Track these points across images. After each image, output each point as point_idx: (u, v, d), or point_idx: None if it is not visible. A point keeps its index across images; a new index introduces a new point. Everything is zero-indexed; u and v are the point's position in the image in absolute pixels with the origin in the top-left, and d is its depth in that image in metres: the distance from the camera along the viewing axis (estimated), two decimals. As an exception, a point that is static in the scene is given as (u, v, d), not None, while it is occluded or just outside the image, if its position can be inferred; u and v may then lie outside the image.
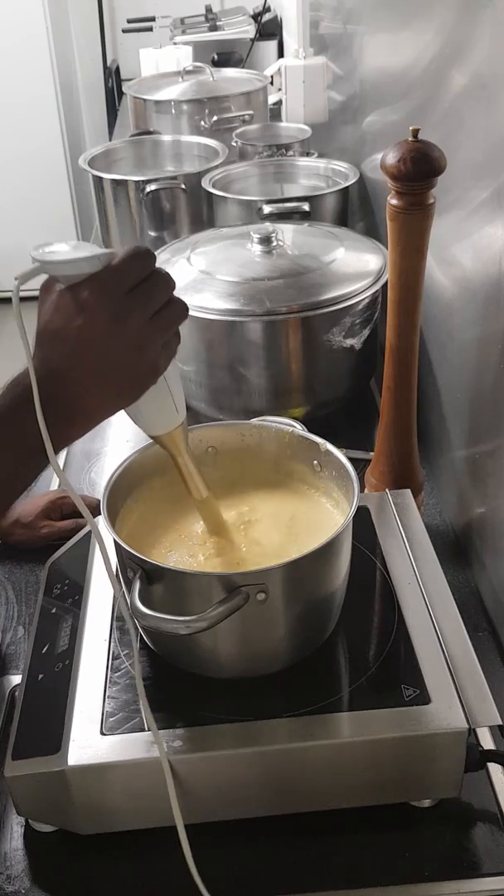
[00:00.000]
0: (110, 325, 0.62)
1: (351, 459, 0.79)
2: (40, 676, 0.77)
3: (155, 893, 0.67)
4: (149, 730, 0.70)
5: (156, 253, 1.29)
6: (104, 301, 0.62)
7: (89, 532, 0.91)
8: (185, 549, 0.80)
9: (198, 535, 0.81)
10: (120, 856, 0.72)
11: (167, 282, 0.65)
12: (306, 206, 1.42)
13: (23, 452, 0.64)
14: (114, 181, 1.63)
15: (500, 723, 0.70)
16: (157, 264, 0.66)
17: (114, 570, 0.68)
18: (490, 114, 0.85)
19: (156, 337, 0.64)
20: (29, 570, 1.03)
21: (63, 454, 1.24)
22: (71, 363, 0.63)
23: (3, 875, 0.71)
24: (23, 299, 0.62)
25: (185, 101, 2.04)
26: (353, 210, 1.57)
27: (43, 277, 0.65)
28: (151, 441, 0.83)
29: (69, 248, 0.63)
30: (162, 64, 2.57)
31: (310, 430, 0.85)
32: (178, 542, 0.81)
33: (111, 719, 0.71)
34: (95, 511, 1.04)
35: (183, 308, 0.67)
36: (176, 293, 0.66)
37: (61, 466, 1.21)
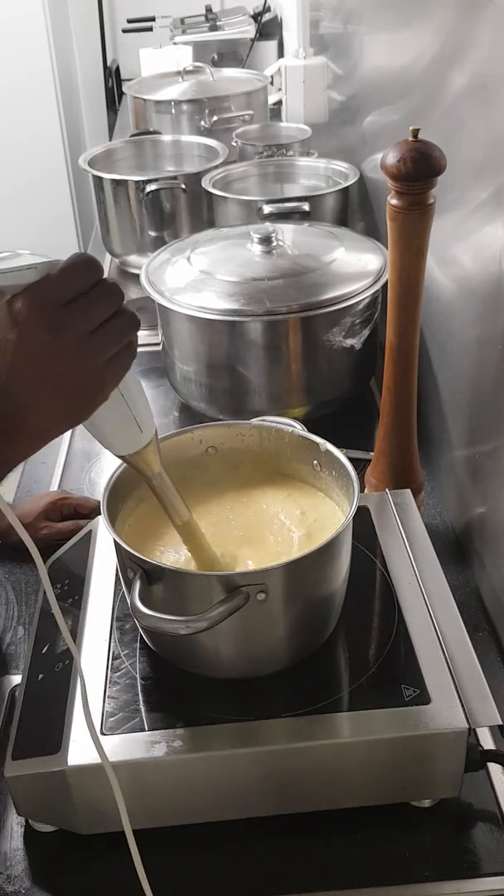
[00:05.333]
0: (45, 338, 0.59)
1: (351, 459, 0.79)
2: (40, 676, 0.77)
3: (155, 893, 0.66)
4: (149, 729, 0.70)
5: (156, 253, 1.30)
6: (38, 313, 0.59)
7: (89, 532, 0.91)
8: (186, 550, 0.80)
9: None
10: (120, 856, 0.72)
11: (113, 293, 0.62)
12: (306, 206, 1.42)
13: None
14: (114, 181, 1.63)
15: (500, 723, 0.70)
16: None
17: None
18: (490, 114, 0.85)
19: (98, 351, 0.61)
20: (29, 570, 1.03)
21: (63, 454, 1.24)
22: (9, 378, 0.59)
23: (3, 875, 0.71)
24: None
25: (185, 101, 2.04)
26: (353, 210, 1.57)
27: None
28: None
29: (22, 256, 0.61)
30: (162, 64, 2.57)
31: (310, 430, 0.85)
32: (179, 542, 0.80)
33: (111, 719, 0.71)
34: (95, 511, 1.05)
35: (131, 321, 0.63)
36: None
37: (61, 466, 1.22)
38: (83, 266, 0.60)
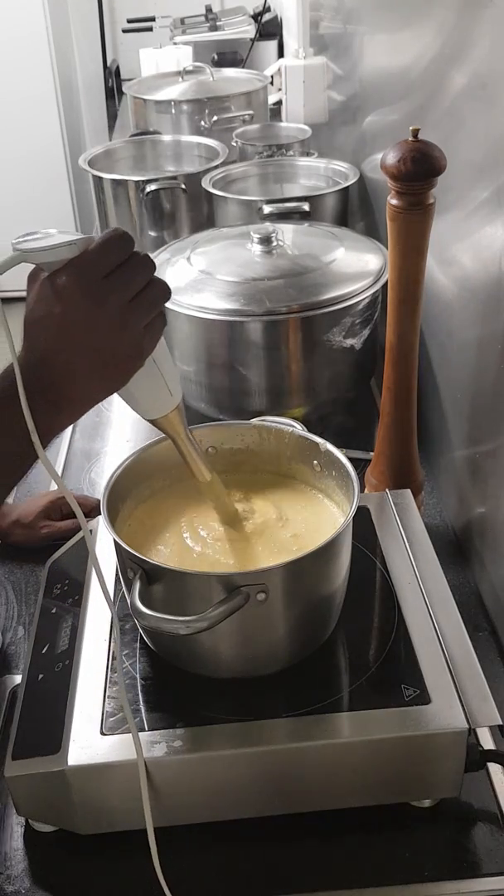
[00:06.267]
0: (89, 309, 0.63)
1: (351, 459, 0.79)
2: (40, 676, 0.77)
3: (155, 893, 0.67)
4: (149, 729, 0.70)
5: (156, 253, 1.30)
6: (82, 286, 0.63)
7: (89, 532, 0.91)
8: (186, 549, 0.80)
9: (198, 534, 0.81)
10: (120, 856, 0.72)
11: (146, 264, 0.66)
12: (306, 206, 1.42)
13: (14, 442, 0.64)
14: (114, 181, 1.63)
15: (500, 723, 0.70)
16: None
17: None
18: (490, 114, 0.85)
19: (137, 319, 0.65)
20: (29, 570, 1.03)
21: (63, 454, 1.24)
22: (55, 349, 0.64)
23: (3, 875, 0.71)
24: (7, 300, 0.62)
25: (185, 101, 2.04)
26: (353, 210, 1.57)
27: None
28: (151, 441, 0.84)
29: (54, 235, 0.64)
30: (162, 64, 2.57)
31: (310, 430, 0.85)
32: (179, 541, 0.81)
33: (111, 719, 0.71)
34: (95, 511, 1.05)
35: (164, 289, 0.67)
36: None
37: (61, 466, 1.22)
38: (118, 239, 0.64)
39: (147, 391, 0.72)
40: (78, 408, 0.68)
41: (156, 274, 0.66)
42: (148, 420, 0.75)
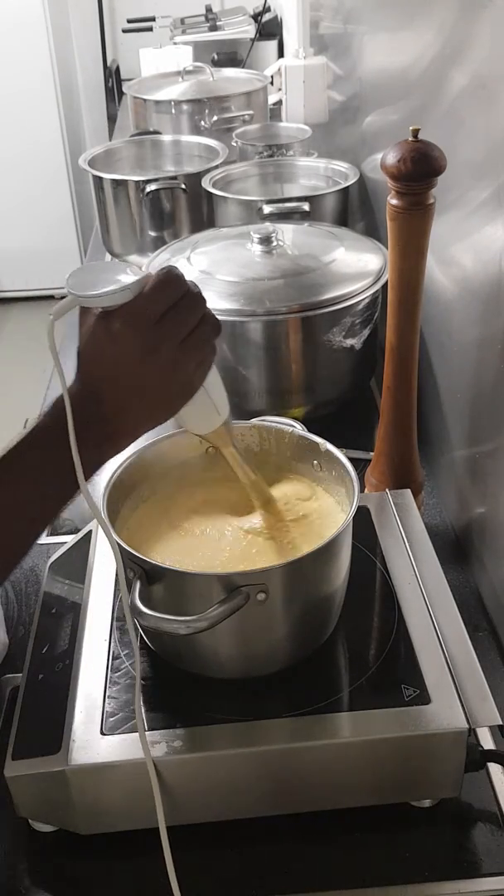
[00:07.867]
0: (142, 354, 0.65)
1: (351, 459, 0.79)
2: (40, 676, 0.77)
3: (155, 893, 0.67)
4: (149, 729, 0.70)
5: (156, 253, 1.30)
6: (135, 332, 0.64)
7: (89, 532, 0.91)
8: (186, 549, 0.80)
9: (199, 534, 0.81)
10: (120, 856, 0.72)
11: (197, 303, 0.67)
12: (306, 206, 1.42)
13: (63, 470, 0.64)
14: (114, 181, 1.63)
15: (500, 723, 0.70)
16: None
17: (121, 566, 0.69)
18: (490, 114, 0.85)
19: (188, 359, 0.67)
20: (29, 570, 1.03)
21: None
22: (107, 386, 0.66)
23: (3, 875, 0.71)
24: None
25: (185, 101, 2.04)
26: (353, 210, 1.57)
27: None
28: (152, 441, 0.84)
29: (102, 269, 0.65)
30: (162, 64, 2.57)
31: (310, 430, 0.85)
32: (179, 541, 0.81)
33: (111, 719, 0.71)
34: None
35: (215, 325, 0.69)
36: None
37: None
38: (171, 281, 0.66)
39: (195, 413, 0.74)
40: (125, 441, 0.69)
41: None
42: (195, 434, 0.78)
